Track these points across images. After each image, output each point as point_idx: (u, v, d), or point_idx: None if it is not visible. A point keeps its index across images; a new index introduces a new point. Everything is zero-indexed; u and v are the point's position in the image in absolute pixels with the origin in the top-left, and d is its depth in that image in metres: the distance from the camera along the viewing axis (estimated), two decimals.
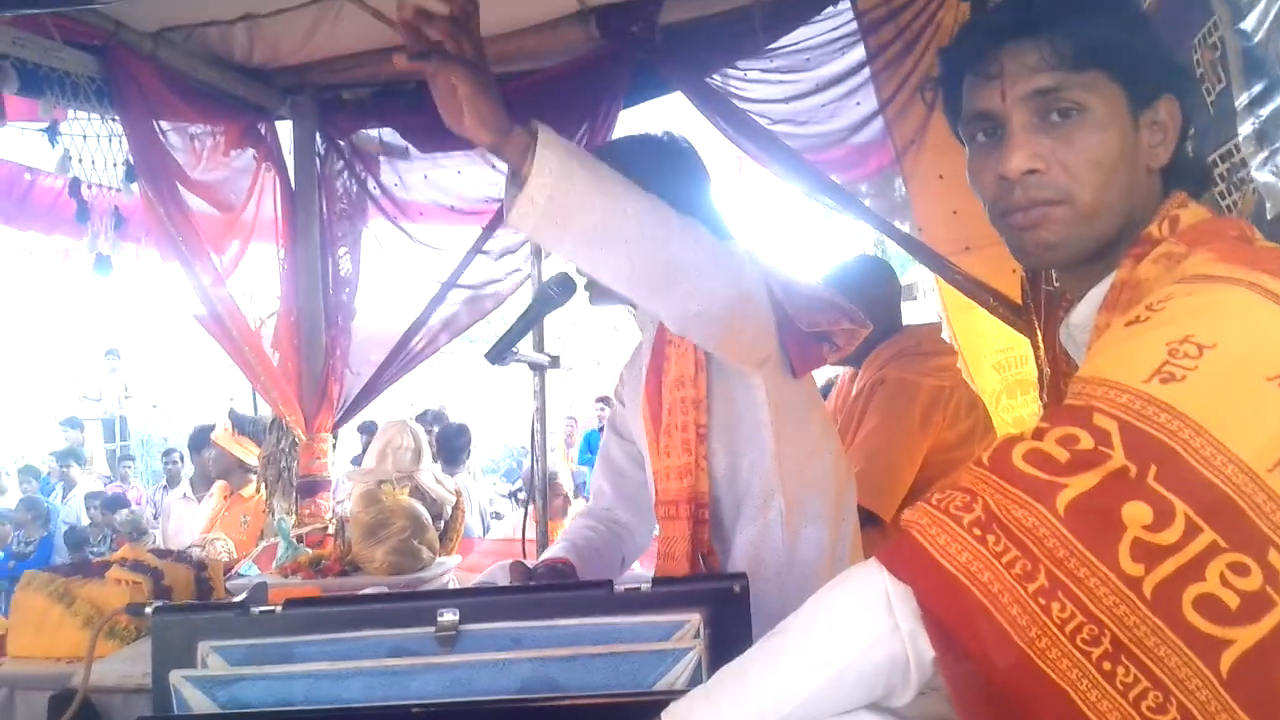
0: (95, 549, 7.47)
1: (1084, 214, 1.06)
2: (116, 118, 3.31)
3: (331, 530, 3.31)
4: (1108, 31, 1.06)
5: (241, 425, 5.14)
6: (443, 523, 3.56)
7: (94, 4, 2.90)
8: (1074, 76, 1.05)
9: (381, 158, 4.14)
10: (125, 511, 7.70)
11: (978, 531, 0.86)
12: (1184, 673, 0.79)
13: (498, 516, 6.65)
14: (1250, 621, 0.79)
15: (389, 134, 4.11)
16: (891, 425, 2.66)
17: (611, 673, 1.14)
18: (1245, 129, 1.51)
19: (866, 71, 3.32)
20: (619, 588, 1.19)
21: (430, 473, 3.70)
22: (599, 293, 1.94)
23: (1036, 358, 3.04)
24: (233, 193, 3.84)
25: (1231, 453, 0.83)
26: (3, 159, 3.80)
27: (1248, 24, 1.49)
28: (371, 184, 4.10)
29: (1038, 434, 0.90)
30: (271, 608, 1.23)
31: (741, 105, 3.41)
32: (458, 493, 3.75)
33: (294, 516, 3.77)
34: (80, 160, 3.35)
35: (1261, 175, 1.48)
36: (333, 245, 4.06)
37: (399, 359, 3.94)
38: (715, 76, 3.43)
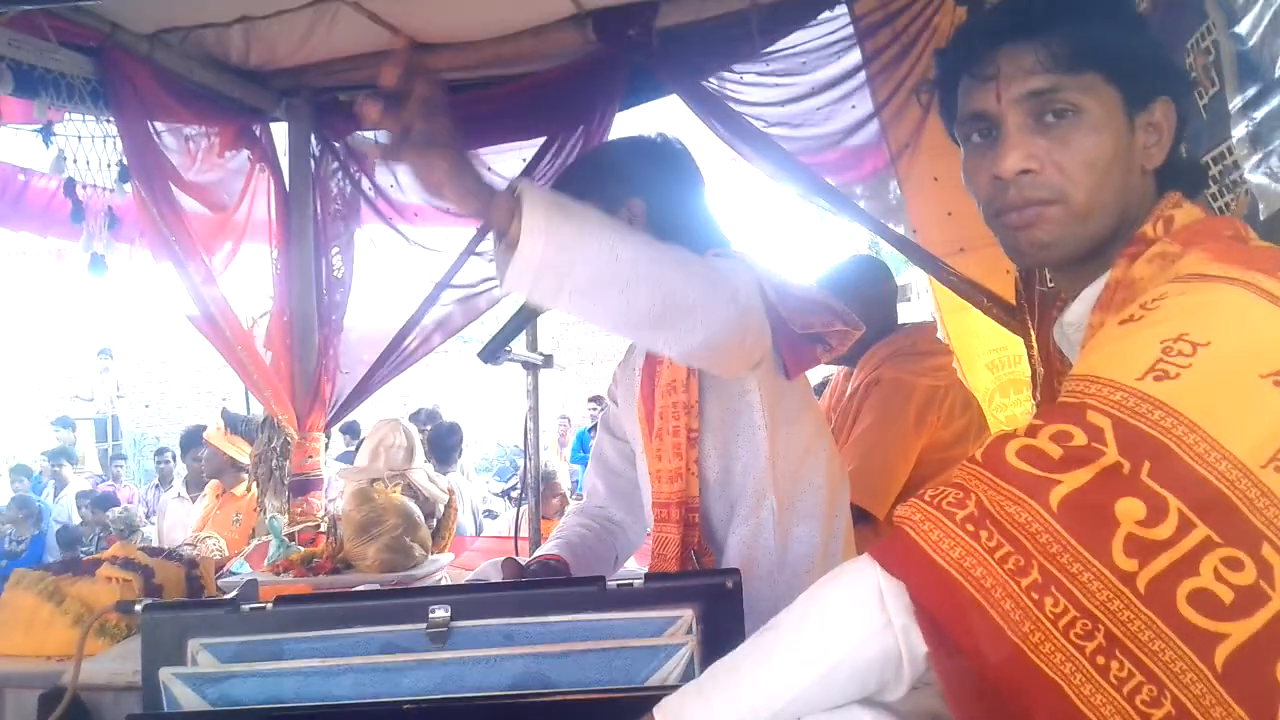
0: (87, 548, 7.45)
1: (1078, 214, 1.06)
2: (111, 119, 3.31)
3: (324, 528, 3.31)
4: (1103, 34, 1.06)
5: (234, 424, 5.14)
6: (435, 521, 3.56)
7: (88, 1, 2.89)
8: (1069, 78, 1.05)
9: (377, 159, 4.13)
10: (117, 509, 7.70)
11: (971, 527, 0.86)
12: (1178, 666, 0.79)
13: (491, 515, 6.64)
14: (1244, 616, 0.79)
15: (385, 136, 4.10)
16: (886, 424, 2.67)
17: (604, 669, 1.14)
18: (1239, 131, 1.52)
19: (862, 75, 3.33)
20: (612, 584, 1.19)
21: (423, 471, 3.70)
22: None
23: (1030, 357, 3.04)
24: (226, 193, 3.83)
25: (1225, 449, 0.83)
26: None
27: (1242, 27, 1.49)
28: (366, 185, 4.10)
29: (1031, 431, 0.90)
30: (262, 605, 1.23)
31: (737, 108, 3.41)
32: (450, 491, 3.75)
33: (286, 515, 3.77)
34: (75, 161, 3.34)
35: (1255, 177, 1.48)
36: (326, 246, 4.06)
37: (392, 359, 3.93)
38: (711, 80, 3.44)
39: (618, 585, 1.19)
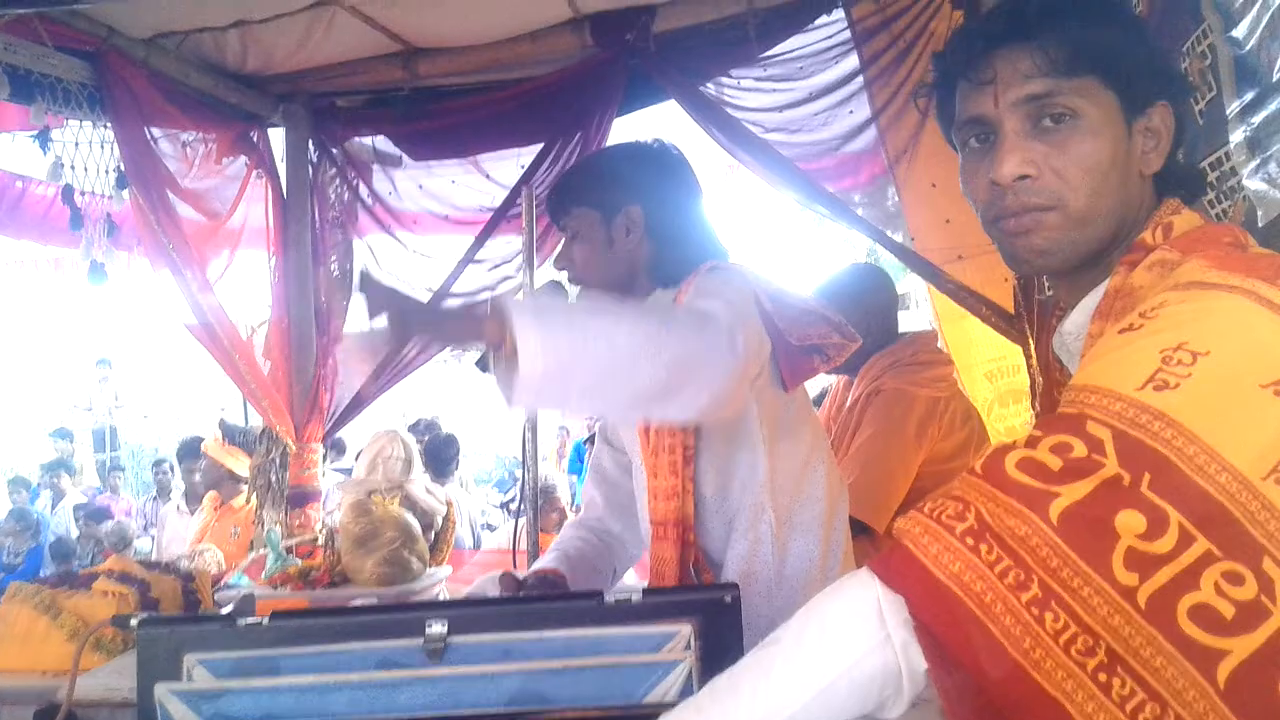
0: (81, 561, 7.44)
1: (1076, 220, 1.06)
2: (108, 124, 3.31)
3: (321, 541, 3.30)
4: (1101, 37, 1.06)
5: (232, 435, 5.12)
6: (433, 534, 3.56)
7: (85, 3, 2.88)
8: (1067, 82, 1.04)
9: (375, 165, 4.14)
10: (110, 523, 7.69)
11: (970, 541, 0.85)
12: (1181, 683, 0.78)
13: (489, 528, 6.62)
14: (1246, 631, 0.78)
15: (382, 142, 4.11)
16: (886, 436, 2.65)
17: (602, 685, 1.13)
18: (1236, 137, 1.51)
19: (859, 80, 3.33)
20: (609, 598, 1.18)
21: (421, 483, 3.69)
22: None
23: (1029, 366, 3.04)
24: (221, 200, 3.83)
25: (1226, 461, 0.82)
26: None
27: (1239, 32, 1.49)
28: (364, 192, 4.10)
29: (1031, 442, 0.89)
30: (258, 620, 1.22)
31: (735, 113, 3.42)
32: (449, 503, 3.74)
33: (283, 527, 3.76)
34: (72, 167, 3.34)
35: (1253, 183, 1.47)
36: (324, 253, 4.05)
37: (390, 368, 3.92)
38: (709, 85, 3.44)
39: (616, 600, 1.18)
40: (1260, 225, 1.44)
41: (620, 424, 2.02)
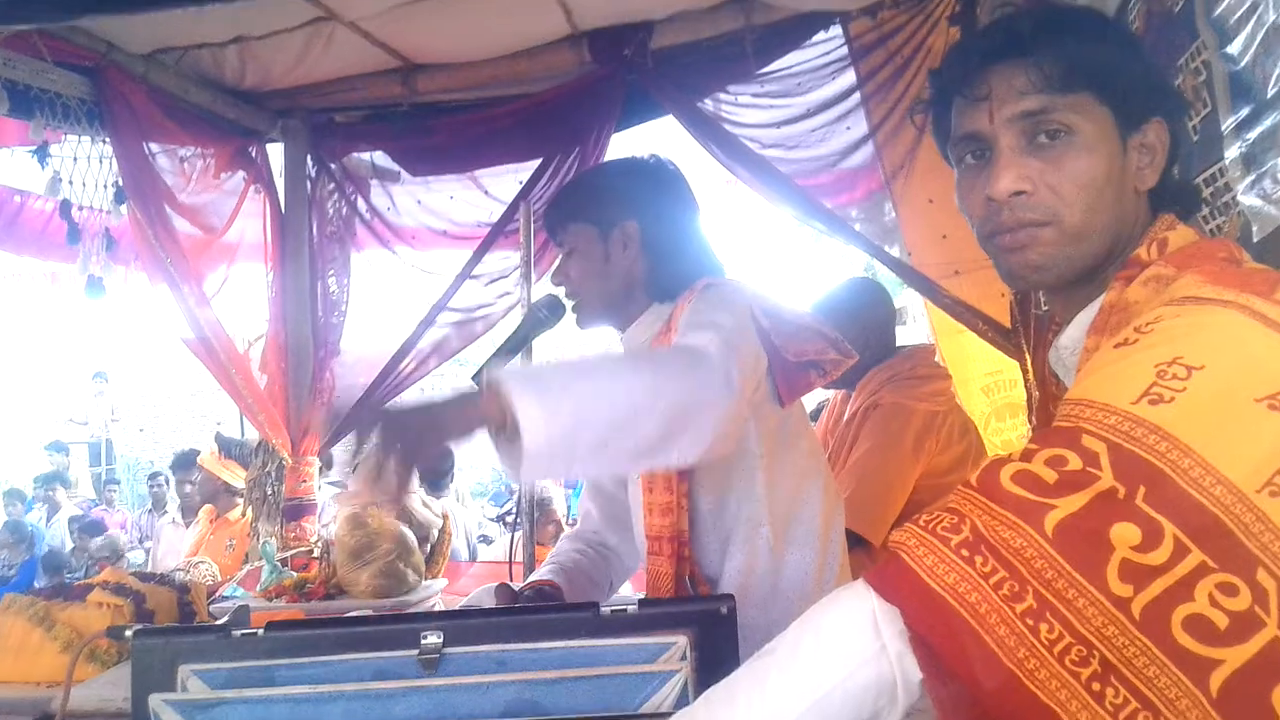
0: (74, 574, 7.42)
1: (1071, 235, 1.06)
2: (106, 139, 3.32)
3: (316, 553, 3.29)
4: (1096, 54, 1.06)
5: (228, 448, 5.12)
6: (429, 546, 3.55)
7: (84, 18, 2.90)
8: (1062, 98, 1.05)
9: (373, 181, 4.15)
10: (100, 538, 7.67)
11: (965, 552, 0.86)
12: (1174, 693, 0.78)
13: (486, 540, 6.61)
14: (1239, 641, 0.78)
15: (381, 157, 4.12)
16: (884, 449, 2.65)
17: (597, 695, 1.13)
18: (1232, 152, 1.52)
19: (857, 96, 3.34)
20: (605, 609, 1.18)
21: (417, 496, 3.69)
22: (588, 315, 1.94)
23: (1025, 381, 3.04)
24: (219, 215, 3.84)
25: (1220, 474, 0.82)
26: None
27: (1233, 48, 1.50)
28: (362, 206, 4.11)
29: (1026, 455, 0.90)
30: (253, 630, 1.21)
31: (732, 129, 3.43)
32: (444, 516, 3.73)
33: (278, 539, 3.75)
34: (70, 182, 3.34)
35: (1248, 199, 1.48)
36: (322, 268, 4.06)
37: (388, 382, 3.92)
38: (707, 101, 3.46)
39: (611, 611, 1.18)
40: (1255, 240, 1.45)
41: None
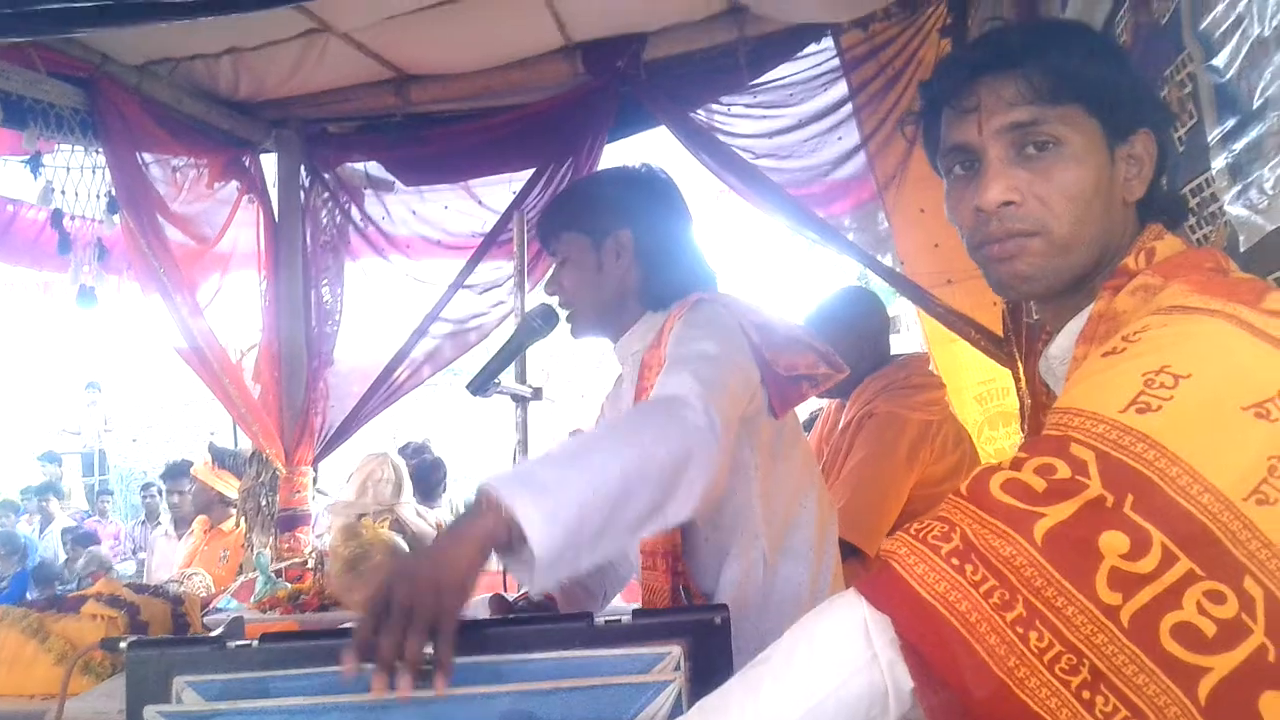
0: (66, 585, 7.39)
1: (1059, 246, 1.07)
2: (100, 149, 3.32)
3: (311, 564, 3.29)
4: (1084, 66, 1.07)
5: (221, 459, 5.11)
6: None
7: (79, 32, 2.90)
8: (1050, 110, 1.06)
9: (367, 190, 4.15)
10: (87, 551, 7.64)
11: (956, 561, 0.86)
12: (1162, 700, 0.79)
13: None
14: (1227, 649, 0.79)
15: (374, 167, 4.13)
16: (878, 459, 2.65)
17: (591, 705, 1.13)
18: (1218, 163, 1.53)
19: (849, 107, 3.37)
20: (599, 620, 1.18)
21: (411, 506, 3.68)
22: (581, 324, 1.94)
23: (1018, 389, 3.05)
24: (211, 225, 3.84)
25: (1208, 482, 0.83)
26: None
27: (1219, 60, 1.51)
28: (356, 216, 4.11)
29: (1015, 464, 0.90)
30: (248, 642, 1.21)
31: (725, 140, 3.45)
32: (438, 526, 3.72)
33: (272, 550, 3.74)
34: (63, 192, 3.35)
35: (1234, 209, 1.49)
36: (316, 277, 4.06)
37: (381, 391, 3.93)
38: (699, 111, 3.47)
39: (606, 621, 1.18)
40: (1242, 250, 1.46)
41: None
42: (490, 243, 3.78)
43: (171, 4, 2.23)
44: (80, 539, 8.17)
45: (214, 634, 1.25)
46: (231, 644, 1.20)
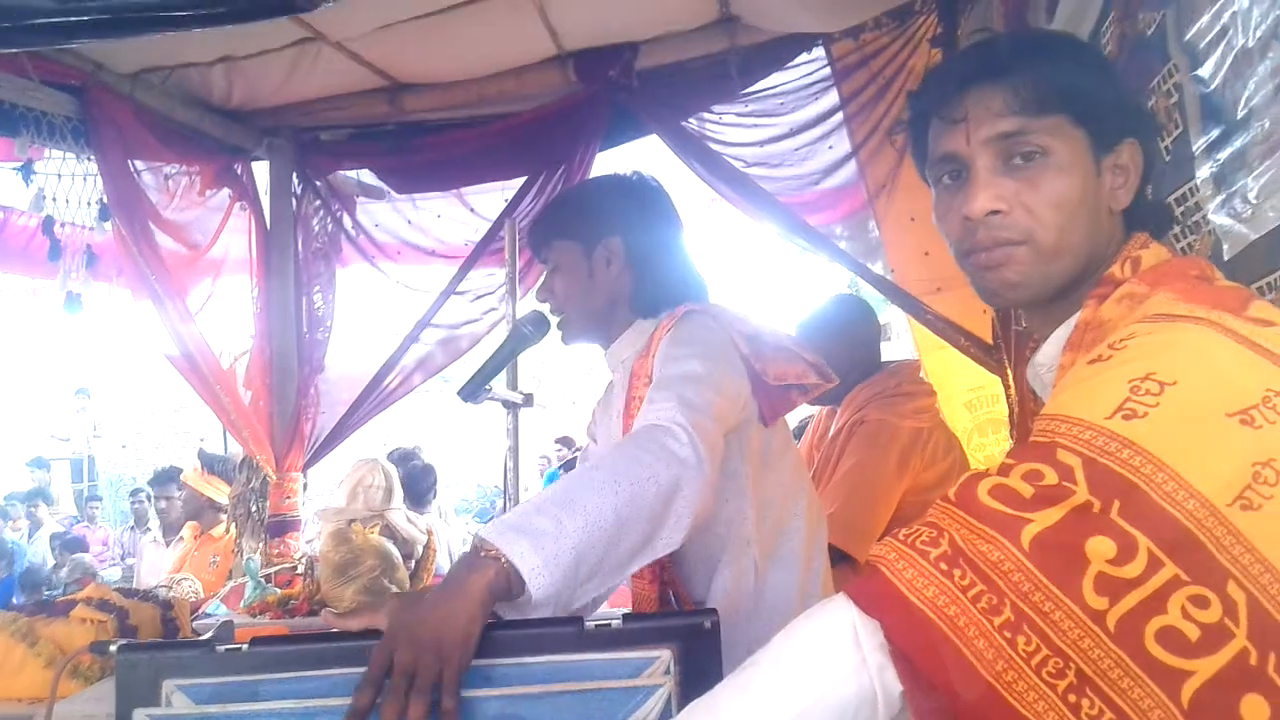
0: (53, 591, 7.37)
1: (1046, 254, 1.08)
2: (91, 157, 3.32)
3: (300, 570, 3.28)
4: (1070, 77, 1.08)
5: (211, 465, 5.10)
6: (414, 562, 3.54)
7: (74, 42, 2.90)
8: (1037, 121, 1.07)
9: (359, 198, 4.16)
10: (72, 558, 7.62)
11: (944, 566, 0.87)
12: (1147, 703, 0.80)
13: None
14: (1210, 653, 0.80)
15: (367, 175, 4.13)
16: (869, 466, 2.66)
17: (581, 709, 1.14)
18: (1203, 173, 1.54)
19: (839, 116, 3.38)
20: (589, 624, 1.19)
21: (401, 511, 3.68)
22: (571, 331, 1.95)
23: (1007, 396, 3.07)
24: (203, 231, 3.85)
25: (1193, 488, 0.84)
26: None
27: (1204, 71, 1.52)
28: (348, 223, 4.11)
29: (1003, 470, 0.91)
30: (238, 645, 1.21)
31: (716, 148, 3.46)
32: (429, 532, 3.72)
33: (262, 556, 3.74)
34: (54, 199, 3.34)
35: (1218, 218, 1.50)
36: (307, 284, 4.06)
37: (372, 398, 3.93)
38: (691, 120, 3.49)
39: (596, 626, 1.19)
40: (1226, 259, 1.47)
41: (602, 451, 2.03)
42: (482, 250, 3.79)
43: (167, 16, 2.23)
44: (68, 545, 8.14)
45: (204, 638, 1.25)
46: (221, 648, 1.20)
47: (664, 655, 1.16)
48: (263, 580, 3.07)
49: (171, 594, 2.85)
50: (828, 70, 3.35)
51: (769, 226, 3.42)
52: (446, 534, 5.26)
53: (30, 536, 9.43)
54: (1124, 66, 1.78)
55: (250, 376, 3.90)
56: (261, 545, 3.84)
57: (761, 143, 3.49)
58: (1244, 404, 0.86)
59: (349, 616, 1.21)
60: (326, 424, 4.01)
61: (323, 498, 5.14)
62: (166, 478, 5.68)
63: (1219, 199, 1.50)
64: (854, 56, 3.28)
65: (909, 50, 3.20)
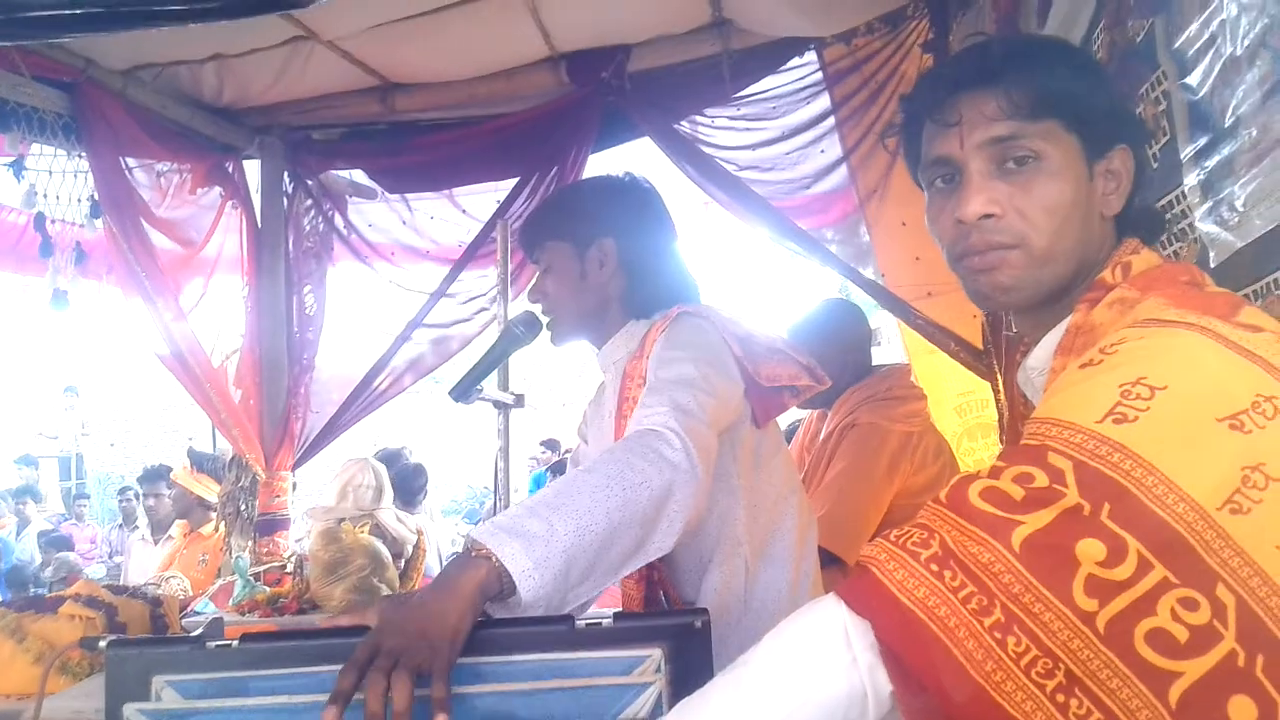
0: (40, 588, 7.34)
1: (1038, 258, 1.08)
2: (82, 154, 3.31)
3: (290, 568, 3.28)
4: (1063, 83, 1.09)
5: (200, 463, 5.09)
6: (403, 562, 3.53)
7: (64, 38, 2.90)
8: (1030, 125, 1.08)
9: (351, 198, 4.15)
10: (57, 556, 7.59)
11: (935, 567, 0.87)
12: (1135, 704, 0.80)
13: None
14: (1198, 654, 0.81)
15: (359, 175, 4.12)
16: (859, 469, 2.67)
17: (572, 706, 1.14)
18: (1191, 180, 1.56)
19: (831, 120, 3.39)
20: (580, 623, 1.19)
21: (391, 511, 3.67)
22: (562, 332, 1.95)
23: (997, 401, 3.07)
24: (196, 229, 3.83)
25: (1183, 491, 0.84)
26: None
27: (1193, 79, 1.53)
28: (339, 223, 4.10)
29: (994, 472, 0.91)
30: (228, 642, 1.21)
31: (708, 151, 3.46)
32: (419, 532, 3.72)
33: (251, 554, 3.73)
34: (45, 195, 3.33)
35: (1205, 225, 1.52)
36: (298, 283, 4.05)
37: (362, 398, 3.91)
38: (683, 123, 3.49)
39: (586, 624, 1.19)
40: (1212, 266, 1.48)
41: (593, 451, 2.03)
42: (474, 251, 3.78)
43: (159, 11, 2.23)
44: (53, 542, 8.11)
45: (194, 634, 1.25)
46: (212, 644, 1.20)
47: (655, 654, 1.17)
48: (252, 579, 3.06)
49: (160, 591, 2.84)
50: (820, 75, 3.36)
51: (761, 230, 3.43)
52: (435, 533, 5.26)
53: (18, 534, 9.39)
54: (1113, 74, 1.79)
55: (240, 375, 3.89)
56: (250, 544, 3.83)
57: (753, 146, 3.50)
58: (1234, 409, 0.87)
59: (340, 615, 1.21)
60: (316, 423, 4.00)
61: (312, 497, 5.13)
62: (155, 476, 5.67)
63: (1206, 206, 1.51)
64: (846, 61, 3.29)
65: (901, 55, 3.20)
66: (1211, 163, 1.50)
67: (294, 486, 4.04)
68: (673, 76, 3.44)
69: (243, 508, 3.90)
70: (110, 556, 8.75)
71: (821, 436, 2.88)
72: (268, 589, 2.99)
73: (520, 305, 2.27)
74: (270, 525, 3.85)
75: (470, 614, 1.15)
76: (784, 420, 2.26)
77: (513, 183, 3.69)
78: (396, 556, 3.33)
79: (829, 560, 2.39)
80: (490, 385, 2.39)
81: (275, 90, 3.65)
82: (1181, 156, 1.58)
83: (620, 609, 1.74)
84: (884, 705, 0.91)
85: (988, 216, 1.08)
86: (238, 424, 3.79)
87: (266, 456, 3.88)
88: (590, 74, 3.43)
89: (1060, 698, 0.82)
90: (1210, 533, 0.84)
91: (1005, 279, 1.10)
